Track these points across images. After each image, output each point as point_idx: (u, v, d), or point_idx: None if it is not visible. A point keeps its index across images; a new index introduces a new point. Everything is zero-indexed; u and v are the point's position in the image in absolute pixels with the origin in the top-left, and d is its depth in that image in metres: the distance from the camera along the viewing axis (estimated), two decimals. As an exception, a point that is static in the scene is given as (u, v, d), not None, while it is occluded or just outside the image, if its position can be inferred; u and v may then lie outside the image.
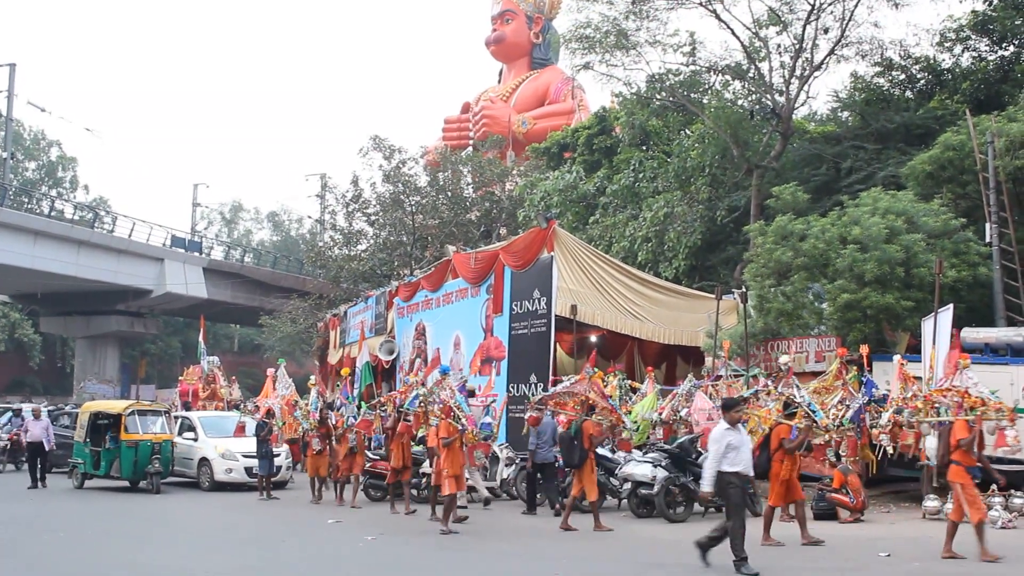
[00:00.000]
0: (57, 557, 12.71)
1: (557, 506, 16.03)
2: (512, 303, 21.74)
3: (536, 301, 20.85)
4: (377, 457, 19.24)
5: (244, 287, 60.44)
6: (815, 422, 13.66)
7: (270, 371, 27.78)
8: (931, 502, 14.91)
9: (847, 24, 25.90)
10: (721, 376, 19.37)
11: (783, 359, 17.41)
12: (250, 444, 20.90)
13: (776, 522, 13.20)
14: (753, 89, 27.81)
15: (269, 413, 20.97)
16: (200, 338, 32.86)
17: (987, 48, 26.67)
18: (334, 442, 18.89)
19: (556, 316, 20.38)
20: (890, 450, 14.99)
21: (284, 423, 22.22)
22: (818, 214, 20.69)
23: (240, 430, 22.56)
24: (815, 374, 17.35)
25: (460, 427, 14.44)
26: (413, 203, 39.75)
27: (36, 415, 22.89)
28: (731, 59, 27.67)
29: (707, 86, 28.39)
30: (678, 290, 23.75)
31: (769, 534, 12.56)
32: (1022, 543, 12.75)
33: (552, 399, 15.80)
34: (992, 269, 18.70)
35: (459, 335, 24.34)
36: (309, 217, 69.79)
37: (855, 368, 16.37)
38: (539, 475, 16.57)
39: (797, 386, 14.35)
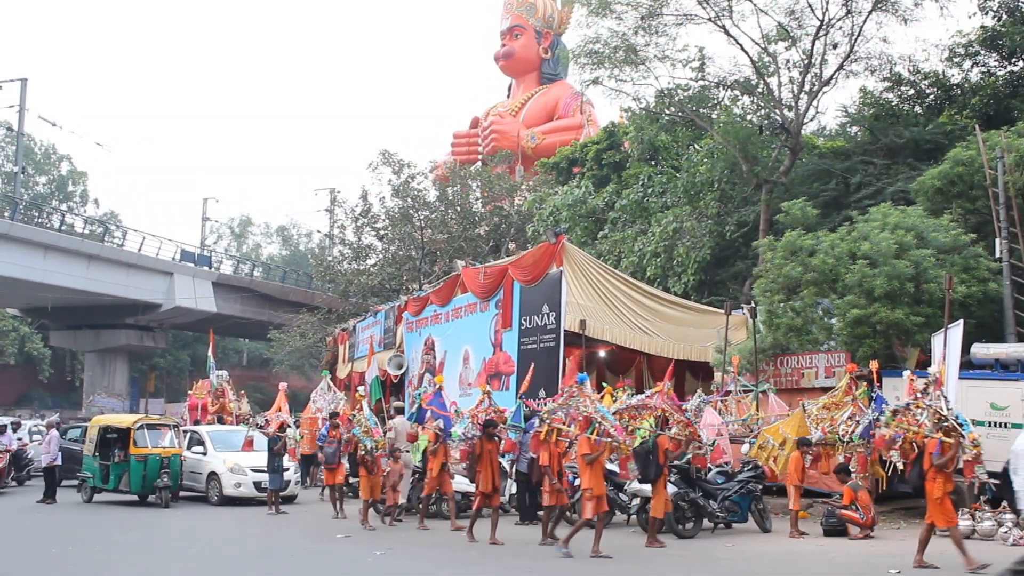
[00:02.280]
0: (66, 570, 12.72)
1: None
2: (521, 318, 21.75)
3: (545, 316, 20.85)
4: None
5: (253, 301, 60.57)
6: (962, 436, 12.87)
7: (282, 385, 27.95)
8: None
9: (856, 39, 25.96)
10: (730, 391, 19.34)
11: (932, 369, 16.57)
12: (259, 458, 20.87)
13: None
14: (762, 104, 27.85)
15: (282, 427, 21.05)
16: (209, 352, 32.90)
17: (996, 63, 26.67)
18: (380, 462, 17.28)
19: (565, 331, 20.37)
20: (900, 466, 14.94)
21: (302, 437, 22.22)
22: (827, 229, 20.68)
23: (248, 444, 22.55)
24: (825, 390, 17.32)
25: (609, 440, 13.09)
26: (422, 218, 39.84)
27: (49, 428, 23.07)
28: (740, 74, 27.76)
29: (716, 101, 28.46)
30: (687, 305, 23.73)
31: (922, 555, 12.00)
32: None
33: (627, 411, 14.91)
34: (1002, 285, 18.65)
35: (468, 350, 24.35)
36: (318, 231, 70.16)
37: (865, 384, 16.33)
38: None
39: (945, 397, 13.15)
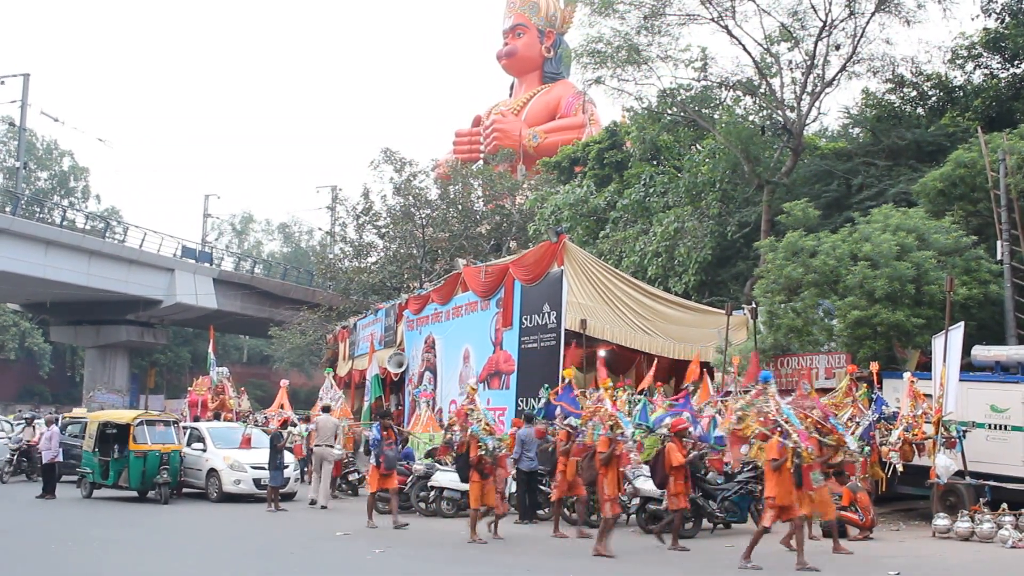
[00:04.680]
0: (64, 566, 12.74)
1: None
2: (522, 317, 21.75)
3: (546, 315, 20.85)
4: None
5: (254, 298, 60.62)
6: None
7: (284, 383, 28.01)
8: (941, 520, 14.82)
9: (859, 41, 25.94)
10: (731, 392, 19.33)
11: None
12: (259, 455, 20.88)
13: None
14: (764, 105, 27.84)
15: (285, 424, 21.11)
16: (210, 349, 32.93)
17: (999, 65, 26.66)
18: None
19: (566, 330, 20.37)
20: (899, 468, 14.95)
21: (308, 434, 22.00)
22: (829, 230, 20.67)
23: (246, 442, 22.53)
24: (825, 391, 17.32)
25: (792, 444, 12.13)
26: (423, 216, 39.85)
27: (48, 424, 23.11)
28: (742, 75, 27.73)
29: (718, 101, 28.44)
30: (688, 305, 23.72)
31: None
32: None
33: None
34: (1003, 287, 18.65)
35: (468, 348, 24.35)
36: (319, 229, 70.12)
37: (865, 385, 16.33)
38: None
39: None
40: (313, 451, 20.69)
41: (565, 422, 15.15)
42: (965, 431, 15.55)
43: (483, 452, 14.57)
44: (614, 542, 13.47)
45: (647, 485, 15.31)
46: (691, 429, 15.11)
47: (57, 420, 26.46)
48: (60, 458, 22.40)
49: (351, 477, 22.44)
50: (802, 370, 19.28)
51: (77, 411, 35.94)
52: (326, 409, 22.14)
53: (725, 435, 13.92)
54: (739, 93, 28.13)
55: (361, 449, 23.41)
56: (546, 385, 17.81)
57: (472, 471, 14.76)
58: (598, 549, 13.03)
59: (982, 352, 16.95)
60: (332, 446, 20.40)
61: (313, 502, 20.24)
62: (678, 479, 13.54)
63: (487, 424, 15.01)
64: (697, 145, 31.06)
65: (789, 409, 12.44)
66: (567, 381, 16.32)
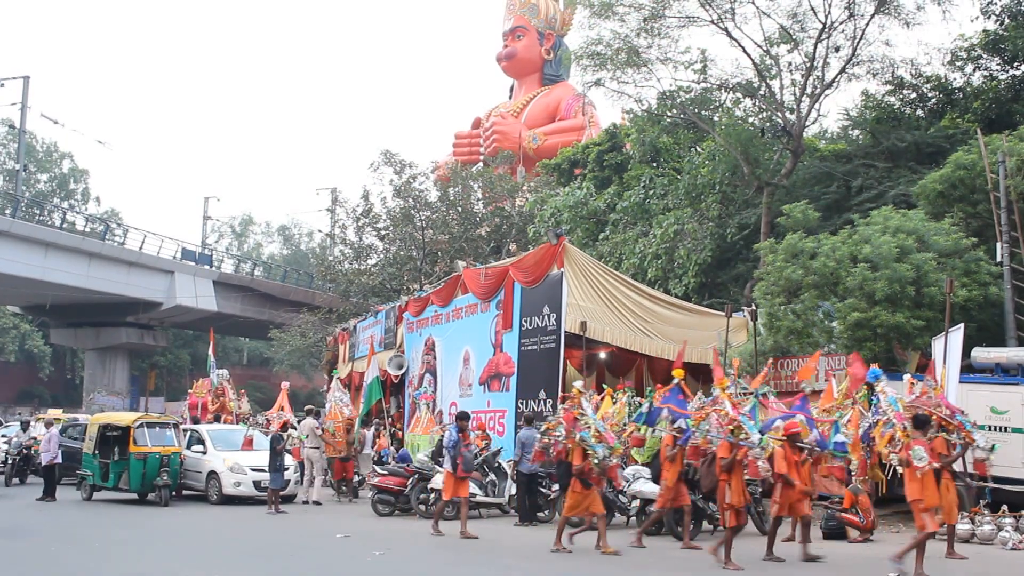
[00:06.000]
0: (64, 568, 12.73)
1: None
2: (522, 319, 21.74)
3: (546, 317, 20.84)
4: (385, 472, 19.27)
5: (254, 300, 60.63)
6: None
7: (284, 385, 28.05)
8: (941, 522, 14.80)
9: (858, 42, 25.94)
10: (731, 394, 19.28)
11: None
12: (259, 457, 20.90)
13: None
14: (764, 107, 27.84)
15: (285, 427, 21.16)
16: (210, 351, 32.94)
17: (998, 67, 26.65)
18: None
19: (566, 332, 20.36)
20: (900, 470, 14.92)
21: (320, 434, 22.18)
22: (828, 232, 20.67)
23: (248, 443, 22.56)
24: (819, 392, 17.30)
25: (959, 441, 11.97)
26: (423, 218, 39.83)
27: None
28: (742, 77, 27.71)
29: (718, 103, 28.43)
30: (688, 307, 23.69)
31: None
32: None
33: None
34: (1003, 289, 18.65)
35: (468, 350, 24.34)
36: (319, 231, 70.18)
37: (866, 387, 16.31)
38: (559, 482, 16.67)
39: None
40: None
41: (675, 426, 14.30)
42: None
43: (596, 461, 13.50)
44: (615, 542, 13.48)
45: (646, 487, 15.31)
46: (808, 433, 13.84)
47: (29, 423, 26.72)
48: (59, 459, 22.41)
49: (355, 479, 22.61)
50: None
51: (52, 411, 36.21)
52: (309, 412, 23.02)
53: (848, 441, 13.70)
54: (739, 95, 28.12)
55: (364, 450, 23.48)
56: (649, 388, 17.04)
57: (574, 479, 13.71)
58: (727, 563, 12.11)
59: (982, 354, 16.95)
60: (317, 447, 21.79)
61: (306, 502, 21.11)
62: (784, 485, 12.66)
63: (597, 431, 13.79)
64: (697, 147, 31.06)
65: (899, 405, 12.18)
66: (675, 382, 15.00)
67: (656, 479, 14.79)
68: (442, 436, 17.21)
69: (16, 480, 25.83)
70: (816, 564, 12.38)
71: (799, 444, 12.86)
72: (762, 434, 12.75)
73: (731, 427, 12.52)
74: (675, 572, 12.43)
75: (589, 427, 13.79)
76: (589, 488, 13.59)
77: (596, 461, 13.47)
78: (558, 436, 14.26)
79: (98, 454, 21.56)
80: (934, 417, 12.31)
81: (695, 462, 13.79)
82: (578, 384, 14.68)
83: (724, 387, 13.18)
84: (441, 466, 18.97)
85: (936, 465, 11.38)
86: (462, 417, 16.25)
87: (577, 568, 12.53)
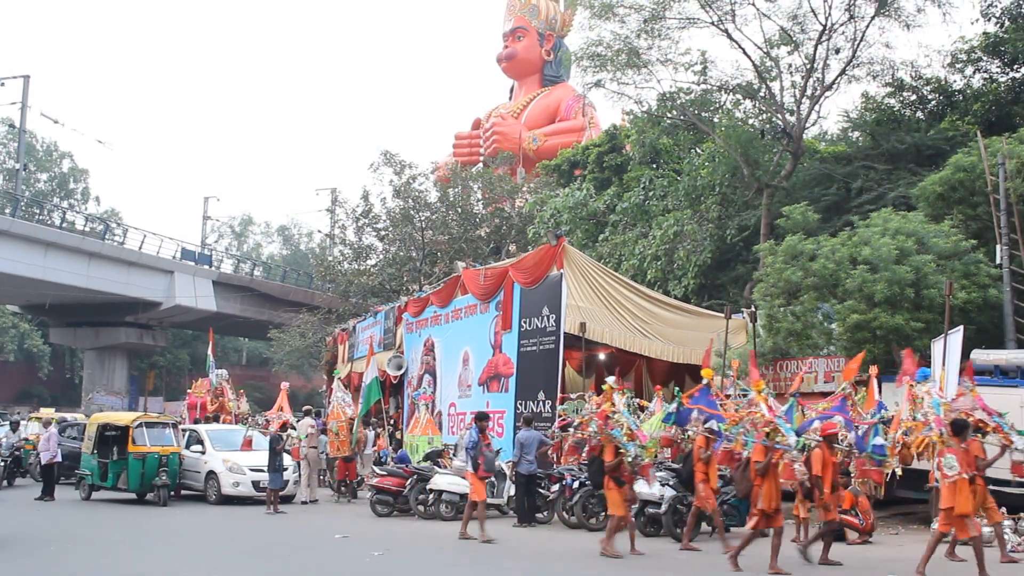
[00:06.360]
0: (64, 568, 12.73)
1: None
2: (521, 320, 21.74)
3: (545, 318, 20.84)
4: (383, 473, 19.27)
5: (253, 301, 60.62)
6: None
7: (284, 385, 28.05)
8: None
9: (858, 44, 25.93)
10: (730, 395, 19.29)
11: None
12: (258, 458, 20.89)
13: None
14: (764, 108, 27.83)
15: (284, 427, 21.17)
16: (209, 351, 32.92)
17: (998, 70, 26.65)
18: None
19: (565, 333, 20.37)
20: (899, 472, 14.92)
21: (308, 436, 22.25)
22: (828, 234, 20.66)
23: (248, 444, 22.55)
24: (824, 394, 17.29)
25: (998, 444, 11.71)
26: (423, 219, 39.84)
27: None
28: (742, 78, 27.68)
29: (718, 105, 28.40)
30: (687, 308, 23.70)
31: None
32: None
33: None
34: (1002, 291, 18.64)
35: (468, 351, 24.34)
36: (319, 231, 70.16)
37: (864, 389, 16.30)
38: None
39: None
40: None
41: (706, 426, 13.97)
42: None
43: (629, 459, 13.41)
44: (617, 543, 13.47)
45: (646, 489, 15.30)
46: (845, 434, 13.96)
47: (19, 423, 26.76)
48: (59, 458, 22.41)
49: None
50: (803, 373, 19.23)
51: (44, 411, 36.31)
52: (307, 412, 23.74)
53: (887, 444, 13.53)
54: (739, 97, 28.08)
55: (367, 450, 23.47)
56: (677, 389, 16.98)
57: (607, 477, 13.58)
58: (773, 567, 11.95)
59: (981, 356, 16.92)
60: (315, 447, 22.14)
61: (305, 502, 21.26)
62: (827, 488, 12.53)
63: (629, 429, 13.60)
64: (697, 148, 31.05)
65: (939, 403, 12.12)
66: (705, 382, 14.69)
67: (687, 481, 14.60)
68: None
69: (5, 483, 25.02)
70: (820, 565, 12.38)
71: (835, 445, 12.85)
72: (798, 435, 12.63)
73: (767, 430, 12.43)
74: (674, 571, 12.43)
75: (621, 425, 13.62)
76: (623, 486, 13.51)
77: (628, 460, 13.37)
78: (592, 432, 13.97)
79: (97, 454, 21.56)
80: (971, 419, 12.19)
81: (730, 467, 13.62)
82: (611, 380, 14.44)
83: (760, 389, 13.03)
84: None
85: (966, 475, 11.28)
86: (481, 418, 16.05)
87: (575, 567, 12.52)
